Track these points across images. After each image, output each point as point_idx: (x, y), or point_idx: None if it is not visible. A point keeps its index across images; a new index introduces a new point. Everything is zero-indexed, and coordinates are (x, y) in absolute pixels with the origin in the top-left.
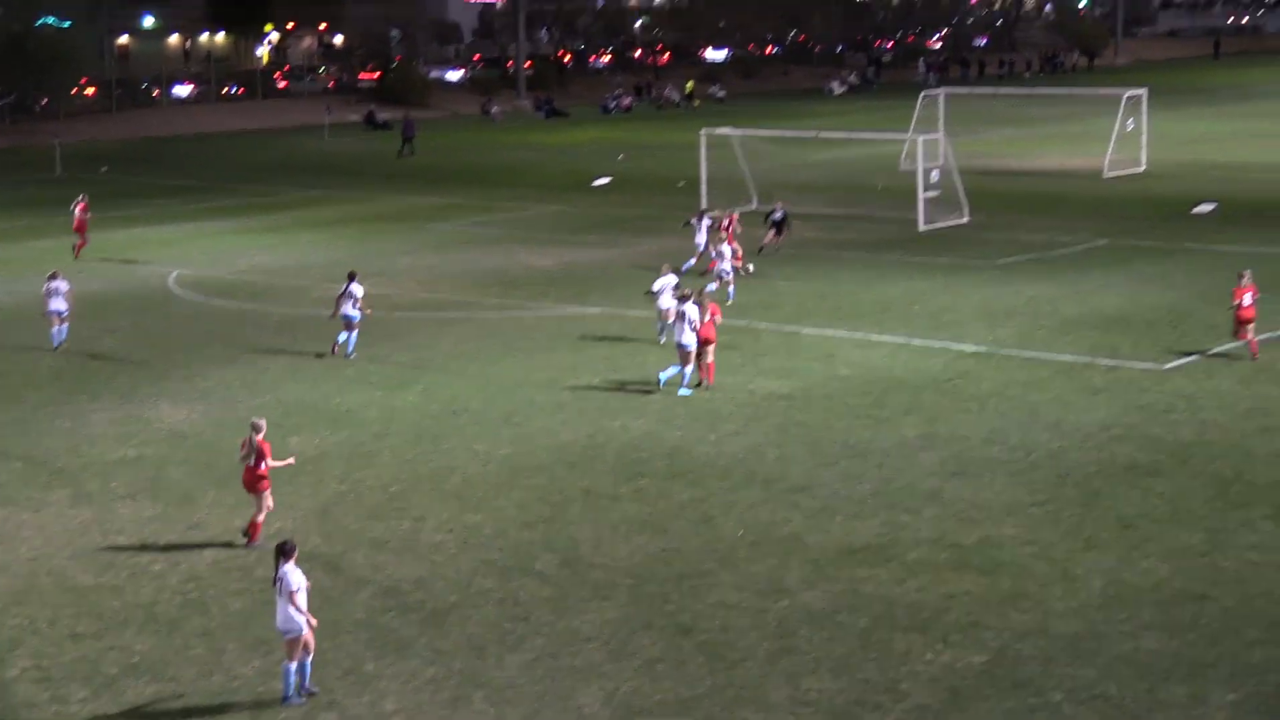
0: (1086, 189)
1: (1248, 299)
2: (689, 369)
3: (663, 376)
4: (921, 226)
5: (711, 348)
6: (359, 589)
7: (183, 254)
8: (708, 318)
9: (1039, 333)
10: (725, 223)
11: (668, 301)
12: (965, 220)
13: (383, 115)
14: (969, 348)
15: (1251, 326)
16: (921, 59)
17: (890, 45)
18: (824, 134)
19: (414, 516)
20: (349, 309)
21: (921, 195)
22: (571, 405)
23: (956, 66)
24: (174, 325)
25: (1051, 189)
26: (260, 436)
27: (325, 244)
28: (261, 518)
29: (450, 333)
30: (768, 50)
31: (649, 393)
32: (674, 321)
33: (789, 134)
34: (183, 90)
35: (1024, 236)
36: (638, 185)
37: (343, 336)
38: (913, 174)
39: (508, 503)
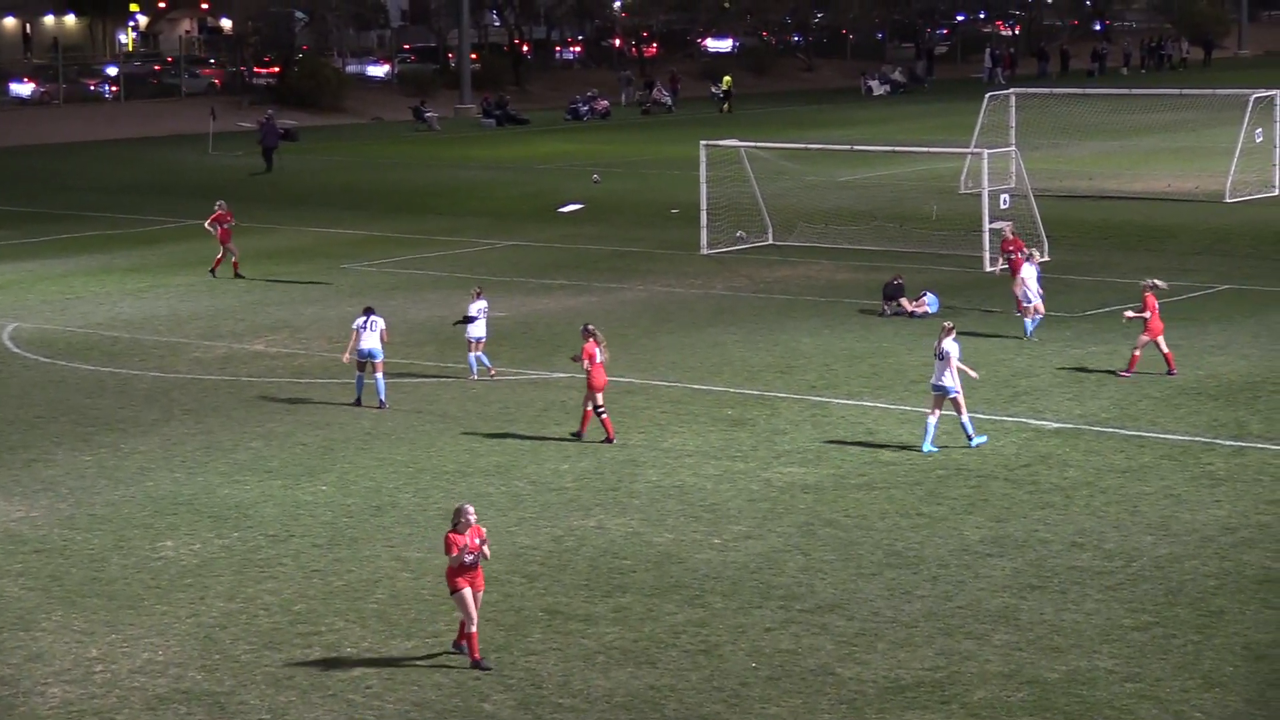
0: (1203, 218)
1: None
2: (934, 420)
3: (973, 438)
4: (988, 267)
5: (599, 395)
6: None
7: (20, 302)
8: (599, 358)
9: (1141, 404)
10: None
11: (479, 331)
12: (1044, 259)
13: (284, 122)
14: (1050, 424)
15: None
16: (987, 50)
17: (946, 33)
18: (860, 147)
19: (325, 644)
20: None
21: (988, 226)
22: (532, 499)
23: (1032, 60)
24: (8, 394)
25: (1157, 218)
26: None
27: (209, 289)
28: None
29: (372, 404)
30: (787, 39)
31: (632, 483)
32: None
33: (815, 147)
34: (22, 89)
35: (1121, 280)
36: (618, 213)
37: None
38: (976, 199)
39: (448, 626)
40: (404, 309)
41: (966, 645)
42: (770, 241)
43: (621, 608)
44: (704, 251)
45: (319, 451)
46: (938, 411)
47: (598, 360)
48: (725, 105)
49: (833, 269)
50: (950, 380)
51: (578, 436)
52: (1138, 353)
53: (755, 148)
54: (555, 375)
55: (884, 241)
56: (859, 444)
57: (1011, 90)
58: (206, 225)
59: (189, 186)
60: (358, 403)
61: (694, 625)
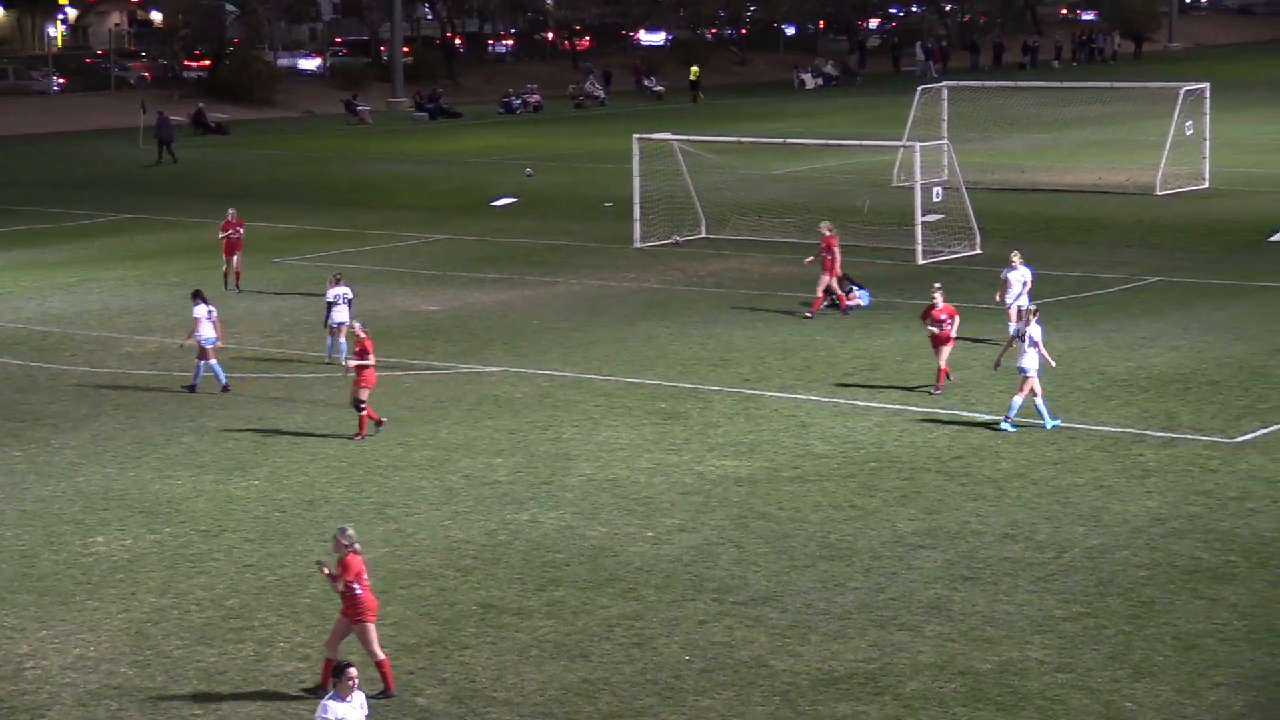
0: (1133, 211)
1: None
2: (1020, 400)
3: (1048, 420)
4: (920, 260)
5: (365, 392)
6: None
7: None
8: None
9: (1072, 396)
10: None
11: (342, 315)
12: (976, 251)
13: (216, 115)
14: (983, 416)
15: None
16: (919, 44)
17: (894, 25)
18: (793, 141)
19: (258, 640)
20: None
21: (920, 219)
22: (465, 493)
23: (964, 53)
24: None
25: (1088, 211)
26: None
27: (140, 283)
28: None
29: (305, 398)
30: (719, 33)
31: (565, 477)
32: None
33: (748, 140)
34: None
35: (1053, 273)
36: (551, 207)
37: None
38: (908, 192)
39: (381, 621)
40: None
41: (899, 637)
42: (704, 235)
43: (555, 601)
44: (637, 245)
45: (251, 446)
46: (1023, 392)
47: (368, 360)
48: (696, 95)
49: (766, 262)
50: (1028, 362)
51: (378, 425)
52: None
53: (688, 141)
54: (489, 369)
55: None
56: (792, 437)
57: (944, 83)
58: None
59: (120, 180)
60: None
61: (628, 618)
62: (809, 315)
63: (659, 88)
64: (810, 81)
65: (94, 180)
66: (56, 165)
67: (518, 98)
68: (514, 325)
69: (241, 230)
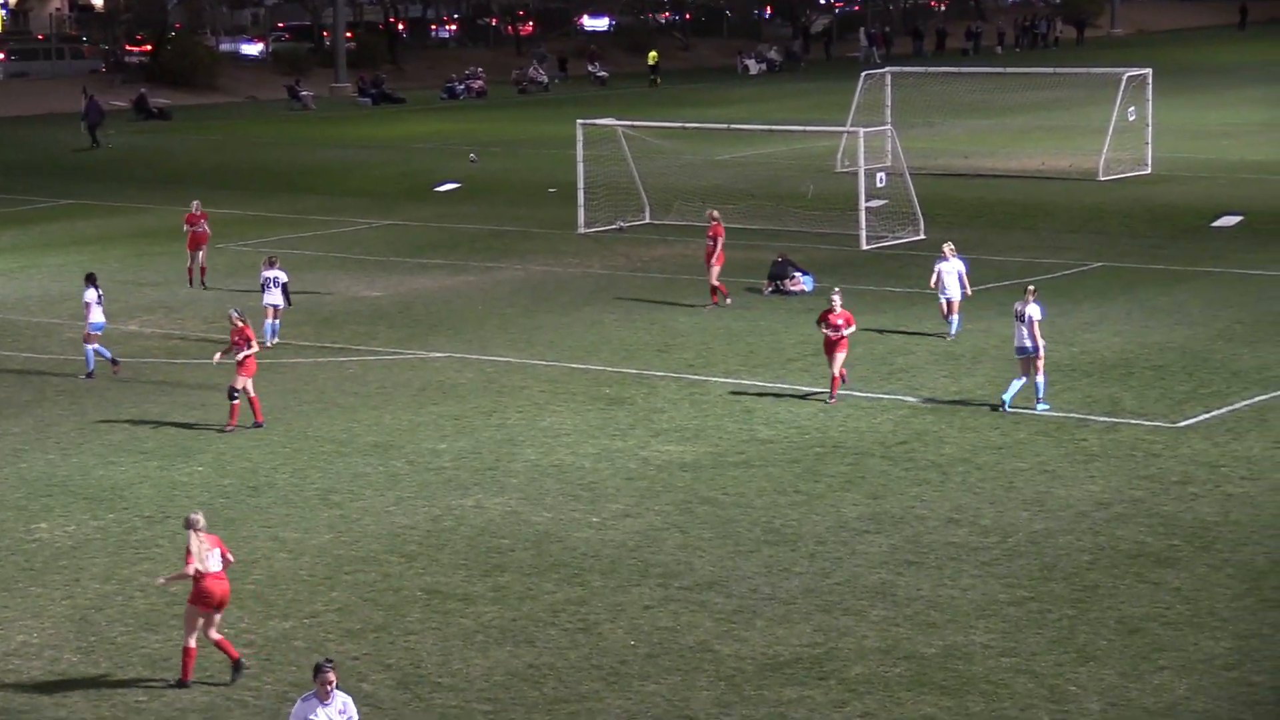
0: (1076, 196)
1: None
2: (1020, 383)
3: (1040, 402)
4: (864, 245)
5: (248, 382)
6: None
7: None
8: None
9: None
10: None
11: (274, 298)
12: (920, 237)
13: (158, 100)
14: (925, 401)
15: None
16: (861, 29)
17: (839, 6)
18: (737, 126)
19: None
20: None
21: (864, 205)
22: (409, 478)
23: (907, 39)
24: None
25: (1031, 196)
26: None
27: (81, 268)
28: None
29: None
30: (663, 17)
31: (510, 462)
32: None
33: (691, 126)
34: None
35: (996, 258)
36: (495, 193)
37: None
38: (852, 177)
39: (326, 607)
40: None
41: (844, 621)
42: (648, 220)
43: (500, 587)
44: (581, 231)
45: (194, 432)
46: (1026, 372)
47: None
48: (655, 79)
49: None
50: (1031, 342)
51: (258, 425)
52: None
53: (632, 126)
54: (433, 355)
55: (761, 220)
56: (737, 422)
57: (887, 69)
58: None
59: (61, 166)
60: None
61: (573, 604)
62: (710, 306)
63: (603, 73)
64: (754, 67)
65: (35, 166)
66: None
67: (461, 83)
68: (458, 311)
69: (206, 224)
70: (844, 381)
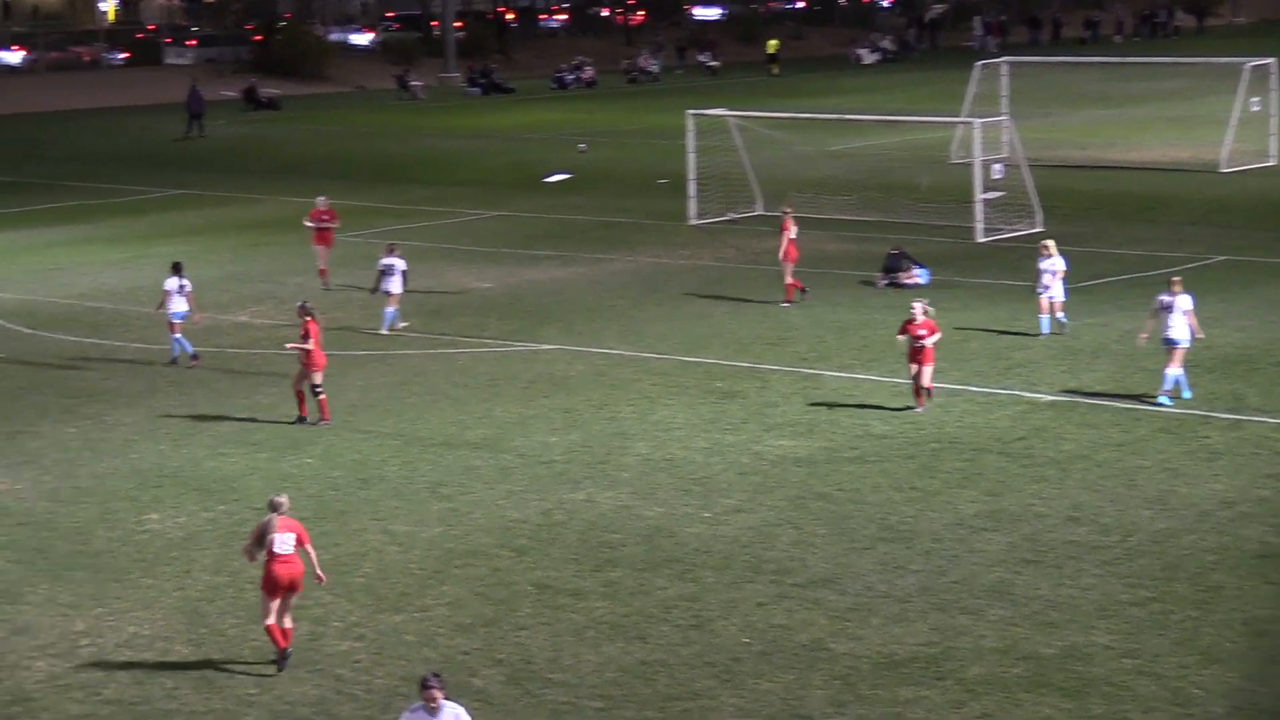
0: (1197, 188)
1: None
2: (1174, 372)
3: (1178, 395)
4: (980, 238)
5: (318, 374)
6: (239, 715)
7: (1, 273)
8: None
9: (1137, 377)
10: None
11: (394, 286)
12: (1038, 229)
13: (267, 90)
14: (1045, 396)
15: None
16: (977, 18)
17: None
18: (850, 116)
19: (313, 618)
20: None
21: (980, 197)
22: (520, 472)
23: (1023, 28)
24: None
25: (1151, 188)
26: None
27: (192, 259)
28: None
29: (358, 376)
30: (776, 6)
31: (622, 456)
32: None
33: (804, 116)
34: (10, 56)
35: (1115, 251)
36: (605, 183)
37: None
38: (967, 169)
39: (436, 600)
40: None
41: (961, 620)
42: (760, 212)
43: (611, 582)
44: (692, 222)
45: (304, 424)
46: (1175, 364)
47: (318, 339)
48: (774, 68)
49: (823, 240)
50: (1178, 333)
51: (301, 420)
52: (788, 279)
53: (743, 116)
54: (544, 347)
55: (874, 212)
56: (851, 417)
57: (1003, 58)
58: (306, 223)
59: (171, 156)
60: None
61: (685, 600)
62: (787, 303)
63: (714, 63)
64: (868, 56)
65: (145, 156)
66: (107, 140)
67: (570, 73)
68: (568, 303)
69: (332, 221)
70: (929, 397)
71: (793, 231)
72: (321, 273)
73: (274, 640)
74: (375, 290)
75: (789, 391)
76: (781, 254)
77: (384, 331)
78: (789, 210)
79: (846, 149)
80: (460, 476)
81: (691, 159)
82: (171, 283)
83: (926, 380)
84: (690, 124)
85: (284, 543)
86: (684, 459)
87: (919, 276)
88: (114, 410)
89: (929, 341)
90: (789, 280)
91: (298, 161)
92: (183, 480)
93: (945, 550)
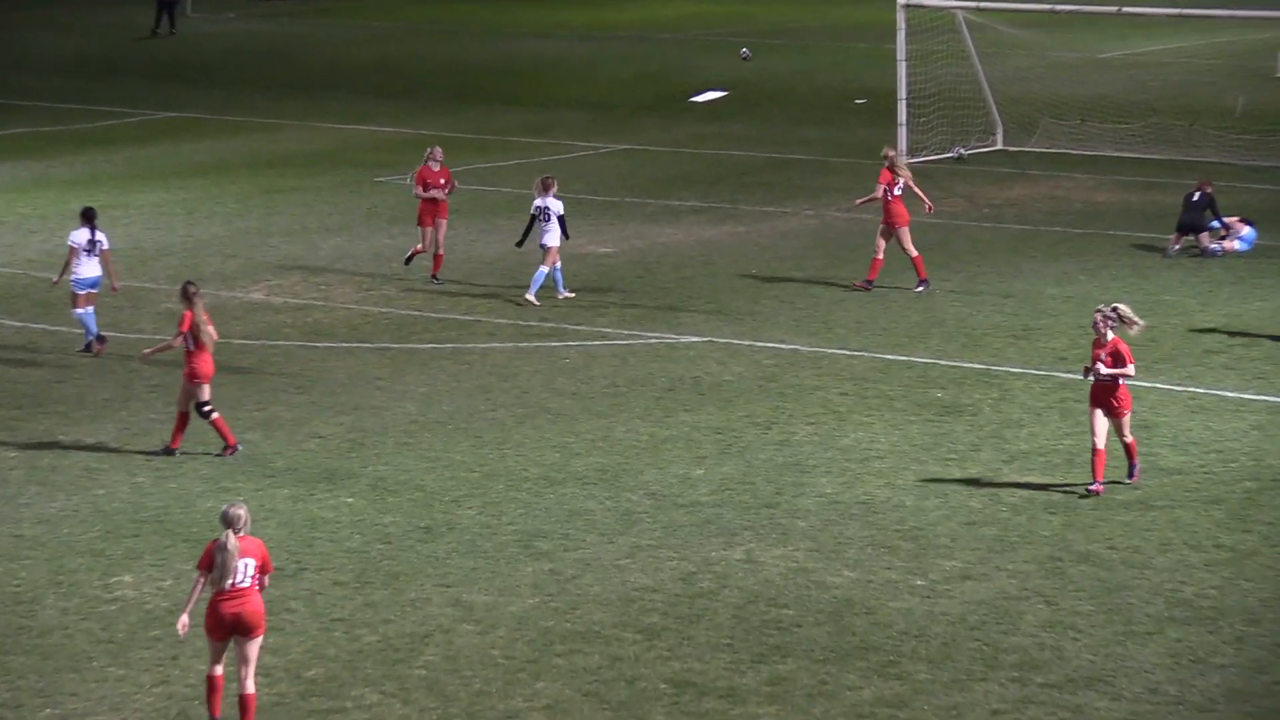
0: None
1: None
2: None
3: None
4: None
5: (204, 388)
6: None
7: None
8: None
9: None
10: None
11: (552, 238)
12: None
13: None
14: None
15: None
16: None
17: None
18: (1133, 9)
19: None
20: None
21: None
22: (650, 518)
23: None
24: None
25: None
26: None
27: (187, 211)
28: None
29: (419, 379)
30: None
31: (797, 497)
32: None
33: (1064, 9)
34: None
35: None
36: (776, 105)
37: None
38: None
39: (529, 703)
40: (464, 241)
41: None
42: (999, 147)
43: (781, 679)
44: (903, 160)
45: (344, 448)
46: None
47: (202, 339)
48: None
49: (1091, 186)
50: None
51: (169, 451)
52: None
53: (977, 8)
54: (685, 339)
55: (1166, 147)
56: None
57: None
58: (410, 184)
59: (156, 63)
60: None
61: (888, 706)
62: (862, 285)
63: None
64: None
65: (121, 63)
66: (67, 40)
67: None
68: (722, 276)
69: (449, 187)
70: (1130, 464)
71: (901, 180)
72: (436, 260)
73: (209, 705)
74: (522, 244)
75: (1039, 405)
76: (888, 217)
77: (531, 299)
78: (892, 153)
79: (1126, 56)
80: (564, 524)
81: (902, 70)
82: (80, 236)
83: (1126, 432)
84: (901, 19)
85: (243, 572)
86: (886, 501)
87: (1237, 241)
88: (72, 426)
89: (1108, 372)
90: (914, 253)
91: (334, 72)
92: (167, 527)
93: (1264, 637)
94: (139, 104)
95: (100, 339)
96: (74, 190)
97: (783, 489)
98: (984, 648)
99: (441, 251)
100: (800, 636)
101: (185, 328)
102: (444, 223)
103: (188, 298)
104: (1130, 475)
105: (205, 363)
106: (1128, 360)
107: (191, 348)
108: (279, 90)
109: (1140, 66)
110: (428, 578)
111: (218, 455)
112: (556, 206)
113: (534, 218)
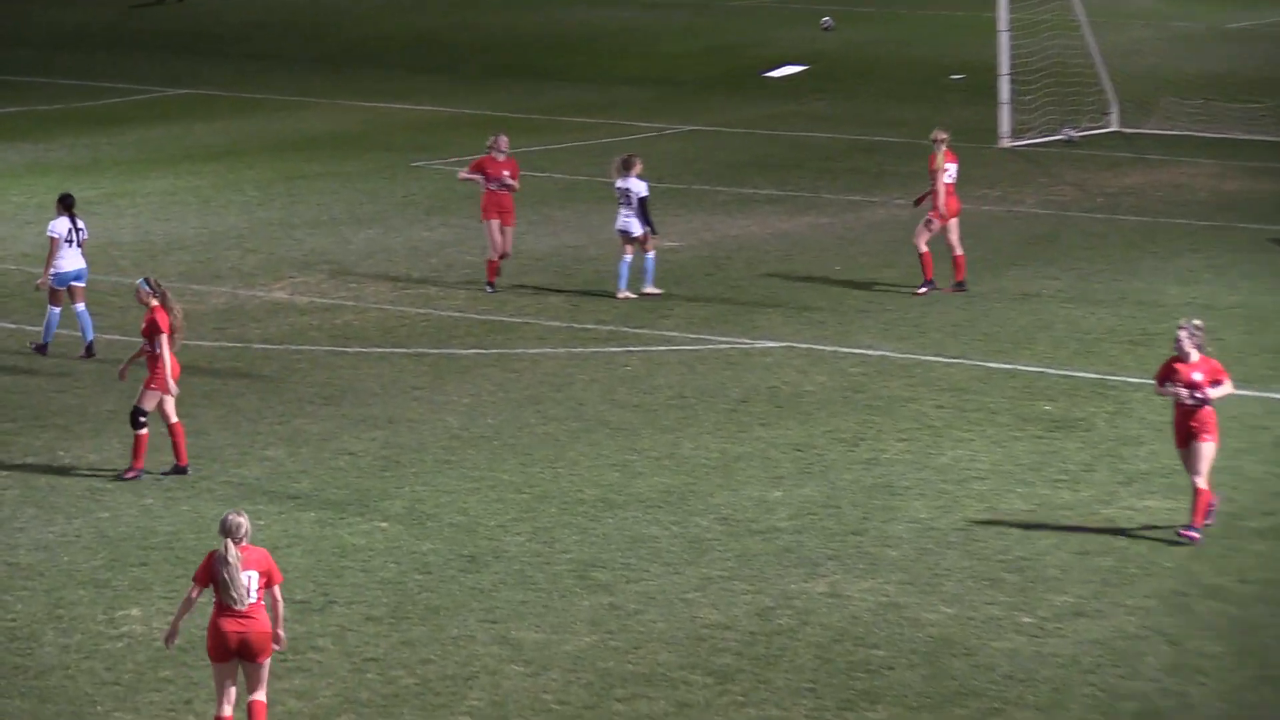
0: None
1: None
2: None
3: None
4: None
5: (152, 400)
6: None
7: None
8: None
9: None
10: None
11: (631, 224)
12: None
13: None
14: None
15: None
16: None
17: None
18: None
19: None
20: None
21: None
22: (723, 546)
23: None
24: None
25: None
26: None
27: (201, 200)
28: None
29: (461, 389)
30: None
31: (888, 523)
32: None
33: None
34: None
35: None
36: (861, 80)
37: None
38: None
39: None
40: (513, 233)
41: None
42: (1115, 128)
43: None
44: (1005, 143)
45: (376, 466)
46: None
47: (165, 345)
48: None
49: (1217, 173)
50: None
51: (180, 469)
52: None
53: None
54: (761, 344)
55: None
56: (1263, 463)
57: None
58: (465, 175)
59: (161, 35)
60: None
61: None
62: (922, 290)
63: None
64: None
65: (126, 35)
66: (65, 10)
67: None
68: (802, 273)
69: (514, 179)
70: (1213, 508)
71: (952, 170)
72: (490, 265)
73: None
74: (653, 230)
75: (1161, 420)
76: (940, 204)
77: (623, 294)
78: (943, 137)
79: (1257, 26)
80: (625, 553)
81: (1004, 42)
82: (61, 226)
83: (1203, 470)
84: None
85: (246, 588)
86: (988, 528)
87: None
88: (73, 440)
89: (1213, 394)
90: (958, 251)
91: (364, 44)
92: (179, 555)
93: None
94: (146, 80)
95: (41, 347)
96: (74, 176)
97: (871, 514)
98: (1099, 694)
99: (508, 254)
100: (892, 680)
101: (167, 329)
102: (511, 230)
103: (153, 294)
104: (1189, 528)
105: (162, 367)
106: (1224, 376)
107: (159, 351)
108: (303, 64)
109: (1273, 39)
110: (471, 612)
111: (125, 476)
112: (639, 188)
113: (618, 199)
